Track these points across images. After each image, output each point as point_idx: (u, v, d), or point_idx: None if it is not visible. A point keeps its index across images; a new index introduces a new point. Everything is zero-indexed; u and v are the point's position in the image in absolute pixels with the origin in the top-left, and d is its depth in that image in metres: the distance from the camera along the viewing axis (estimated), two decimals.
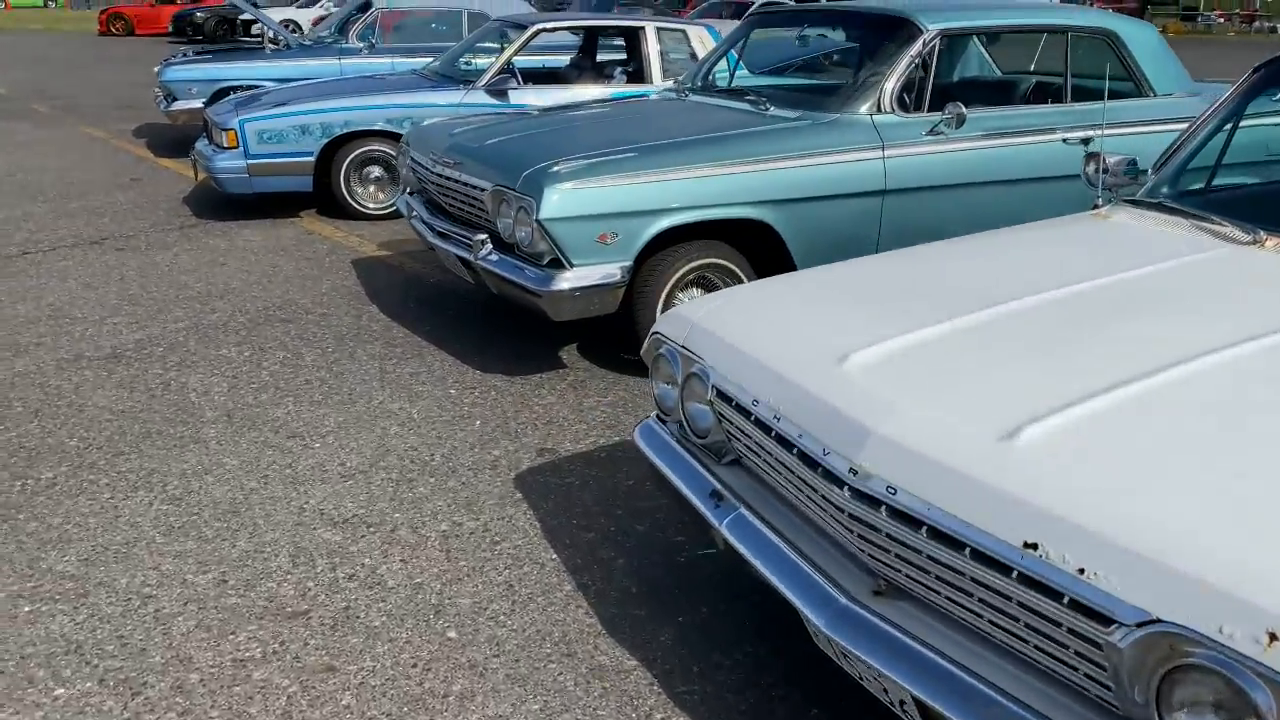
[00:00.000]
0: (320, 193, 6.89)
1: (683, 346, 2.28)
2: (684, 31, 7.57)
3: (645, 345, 2.47)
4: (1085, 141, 4.44)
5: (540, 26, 7.17)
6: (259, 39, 26.88)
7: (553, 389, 4.10)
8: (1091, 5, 35.96)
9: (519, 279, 3.87)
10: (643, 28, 7.41)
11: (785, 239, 4.10)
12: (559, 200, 3.71)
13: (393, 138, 6.87)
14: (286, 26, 27.07)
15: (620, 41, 8.15)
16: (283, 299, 5.25)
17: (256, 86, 9.12)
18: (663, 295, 3.99)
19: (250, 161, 6.62)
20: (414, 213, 4.79)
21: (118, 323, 4.86)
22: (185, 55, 9.76)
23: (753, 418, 2.03)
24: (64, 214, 7.12)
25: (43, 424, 3.75)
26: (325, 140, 6.72)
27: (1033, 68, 5.55)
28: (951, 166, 4.39)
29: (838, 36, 5.14)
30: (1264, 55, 3.11)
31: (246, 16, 26.95)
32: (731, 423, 2.14)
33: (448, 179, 4.34)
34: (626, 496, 3.22)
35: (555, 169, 3.78)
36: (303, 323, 4.89)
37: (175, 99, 9.12)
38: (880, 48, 4.51)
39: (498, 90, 6.96)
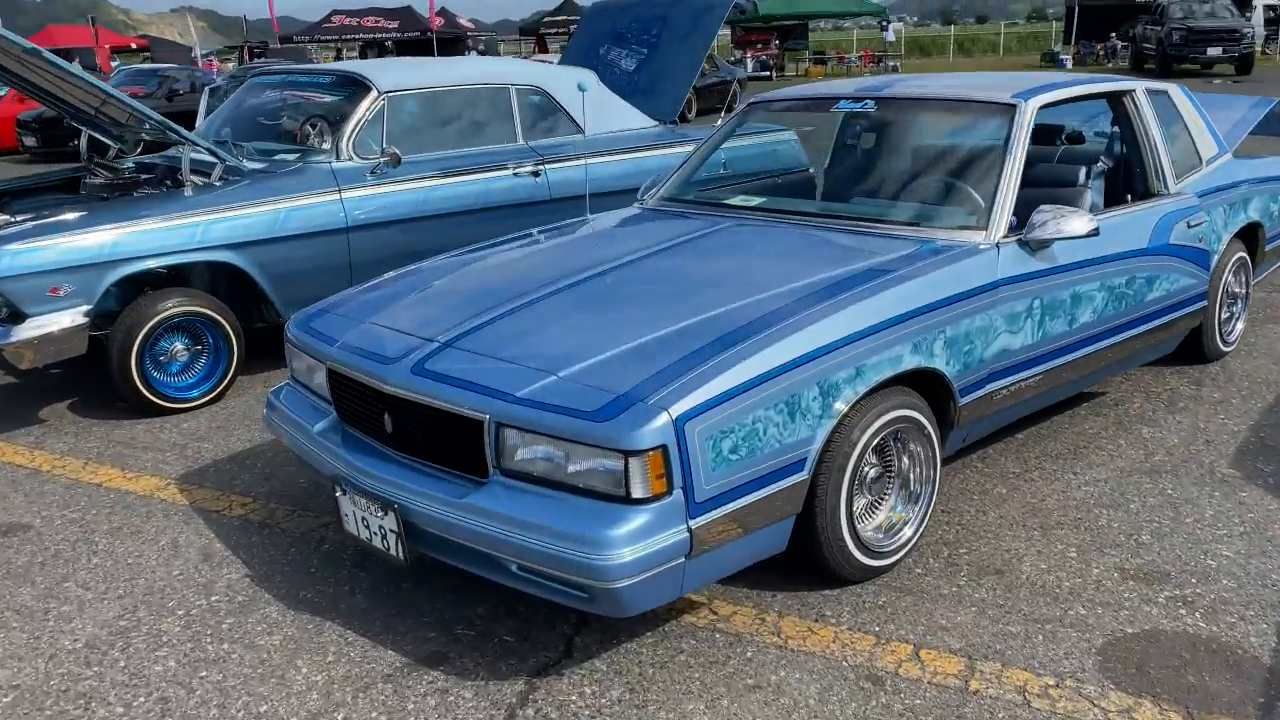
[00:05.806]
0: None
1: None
2: (1166, 94, 4.32)
3: None
4: None
5: (1042, 101, 3.59)
6: None
7: None
8: (744, 53, 36.49)
9: None
10: (1131, 91, 4.06)
11: None
12: None
13: (920, 386, 2.92)
14: None
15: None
16: None
17: (179, 268, 4.48)
18: None
19: (700, 520, 2.36)
20: None
21: None
22: (6, 218, 4.56)
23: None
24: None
25: None
26: (831, 422, 2.63)
27: None
28: None
29: None
30: None
31: None
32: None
33: None
34: None
35: None
36: None
37: (22, 313, 4.12)
38: None
39: (1042, 242, 3.27)
